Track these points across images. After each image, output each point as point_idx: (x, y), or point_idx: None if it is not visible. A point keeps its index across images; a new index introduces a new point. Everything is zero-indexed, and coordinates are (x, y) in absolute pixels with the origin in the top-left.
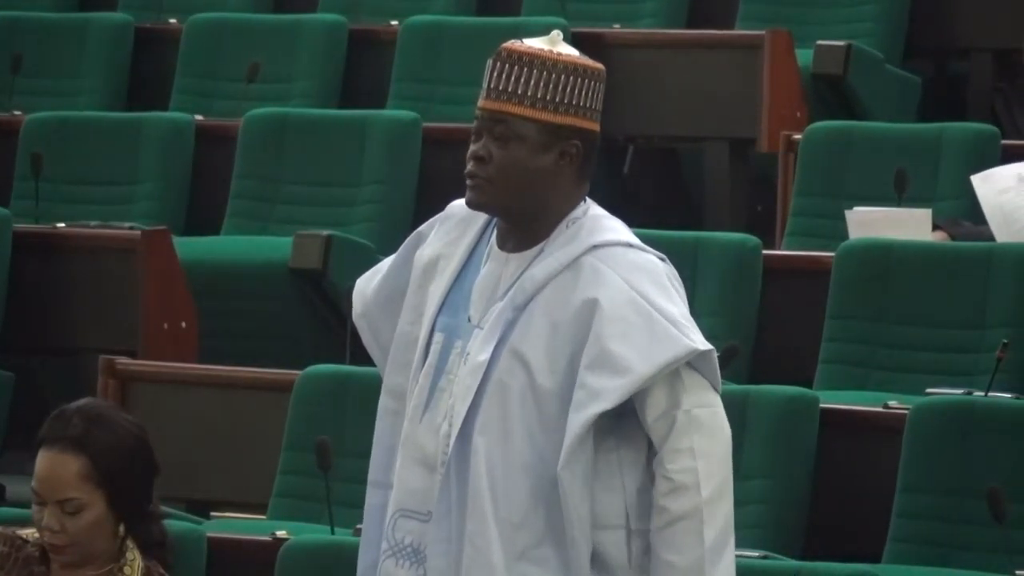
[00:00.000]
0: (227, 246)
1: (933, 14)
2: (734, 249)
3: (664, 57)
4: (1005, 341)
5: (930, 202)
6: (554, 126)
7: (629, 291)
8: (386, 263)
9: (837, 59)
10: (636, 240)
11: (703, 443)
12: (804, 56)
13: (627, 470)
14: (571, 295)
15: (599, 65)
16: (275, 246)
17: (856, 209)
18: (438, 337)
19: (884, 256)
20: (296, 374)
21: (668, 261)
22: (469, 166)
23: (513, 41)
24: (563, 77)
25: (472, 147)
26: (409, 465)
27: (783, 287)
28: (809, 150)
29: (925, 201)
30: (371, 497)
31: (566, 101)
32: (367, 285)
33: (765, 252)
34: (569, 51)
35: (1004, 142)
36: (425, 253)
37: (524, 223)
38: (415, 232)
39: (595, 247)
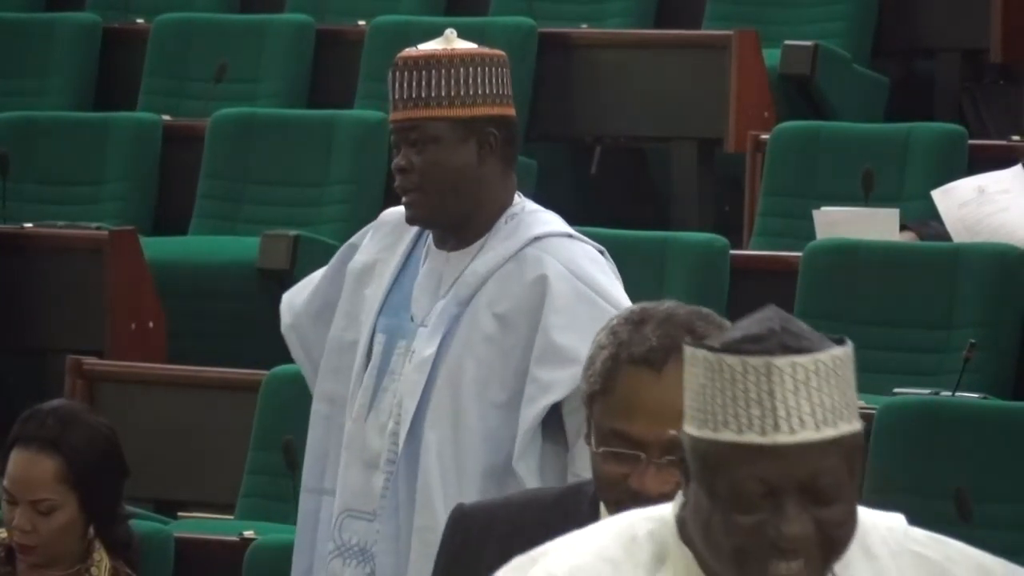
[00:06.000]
0: (195, 246)
1: (901, 14)
2: (702, 249)
3: (631, 57)
4: (972, 341)
5: (897, 202)
6: (466, 119)
7: (573, 279)
8: (316, 275)
9: (804, 59)
10: (575, 232)
11: None
12: (771, 56)
13: (547, 464)
14: (516, 286)
15: (499, 52)
16: (242, 246)
17: (824, 209)
18: (380, 338)
19: (851, 256)
20: (263, 374)
21: (607, 254)
22: (396, 180)
23: (408, 49)
24: (463, 70)
25: (394, 161)
26: (354, 465)
27: (751, 287)
28: (777, 150)
29: (892, 201)
30: (304, 503)
31: (472, 93)
32: (296, 297)
33: (732, 252)
34: (465, 45)
35: (971, 142)
36: (359, 260)
37: (461, 224)
38: (347, 243)
39: (537, 238)
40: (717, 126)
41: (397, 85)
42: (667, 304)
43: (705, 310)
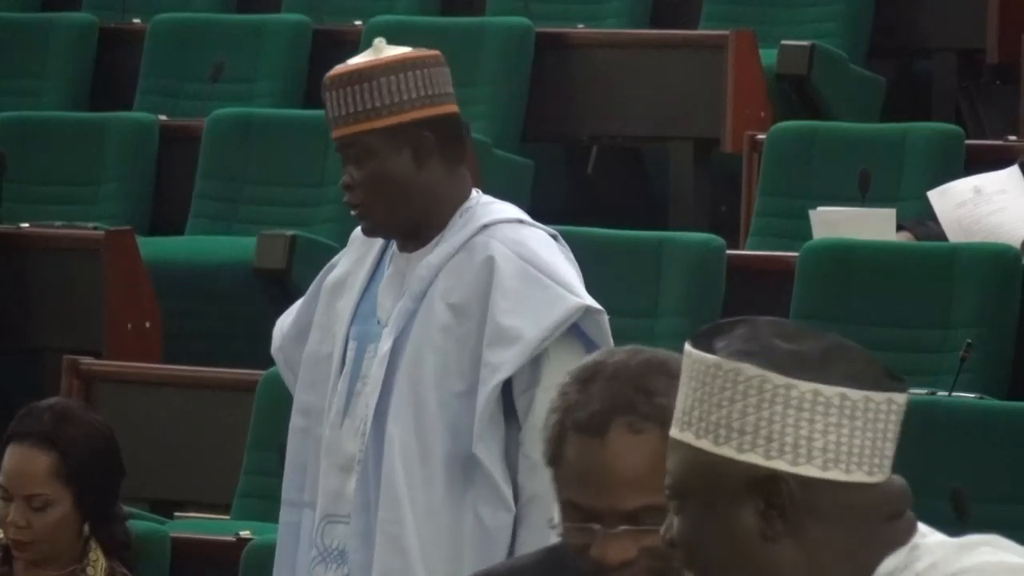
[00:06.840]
0: (191, 246)
1: (897, 14)
2: (698, 249)
3: (628, 57)
4: (969, 341)
5: (894, 202)
6: (394, 127)
7: (519, 260)
8: (302, 300)
9: (801, 59)
10: (527, 218)
11: None
12: (768, 56)
13: (511, 451)
14: (466, 273)
15: (432, 52)
16: (239, 246)
17: (820, 209)
18: (352, 345)
19: (848, 256)
20: (260, 374)
21: (560, 239)
22: (344, 198)
23: (337, 66)
24: (385, 80)
25: (340, 180)
26: (332, 471)
27: (747, 287)
28: (773, 150)
29: (889, 201)
30: (284, 515)
31: (398, 100)
32: (284, 320)
33: (729, 252)
34: (394, 51)
35: (968, 142)
36: (333, 275)
37: (415, 228)
38: (327, 265)
39: (485, 227)
40: (714, 126)
41: (330, 104)
42: (621, 354)
43: (662, 356)
